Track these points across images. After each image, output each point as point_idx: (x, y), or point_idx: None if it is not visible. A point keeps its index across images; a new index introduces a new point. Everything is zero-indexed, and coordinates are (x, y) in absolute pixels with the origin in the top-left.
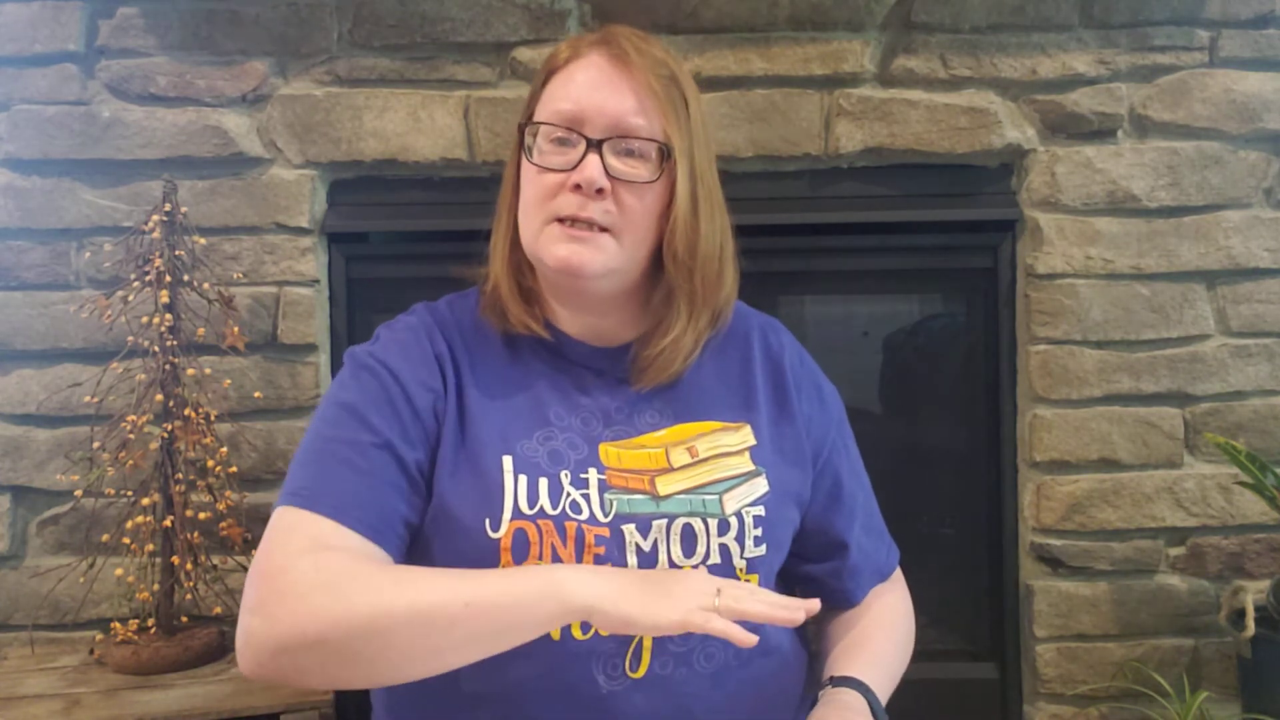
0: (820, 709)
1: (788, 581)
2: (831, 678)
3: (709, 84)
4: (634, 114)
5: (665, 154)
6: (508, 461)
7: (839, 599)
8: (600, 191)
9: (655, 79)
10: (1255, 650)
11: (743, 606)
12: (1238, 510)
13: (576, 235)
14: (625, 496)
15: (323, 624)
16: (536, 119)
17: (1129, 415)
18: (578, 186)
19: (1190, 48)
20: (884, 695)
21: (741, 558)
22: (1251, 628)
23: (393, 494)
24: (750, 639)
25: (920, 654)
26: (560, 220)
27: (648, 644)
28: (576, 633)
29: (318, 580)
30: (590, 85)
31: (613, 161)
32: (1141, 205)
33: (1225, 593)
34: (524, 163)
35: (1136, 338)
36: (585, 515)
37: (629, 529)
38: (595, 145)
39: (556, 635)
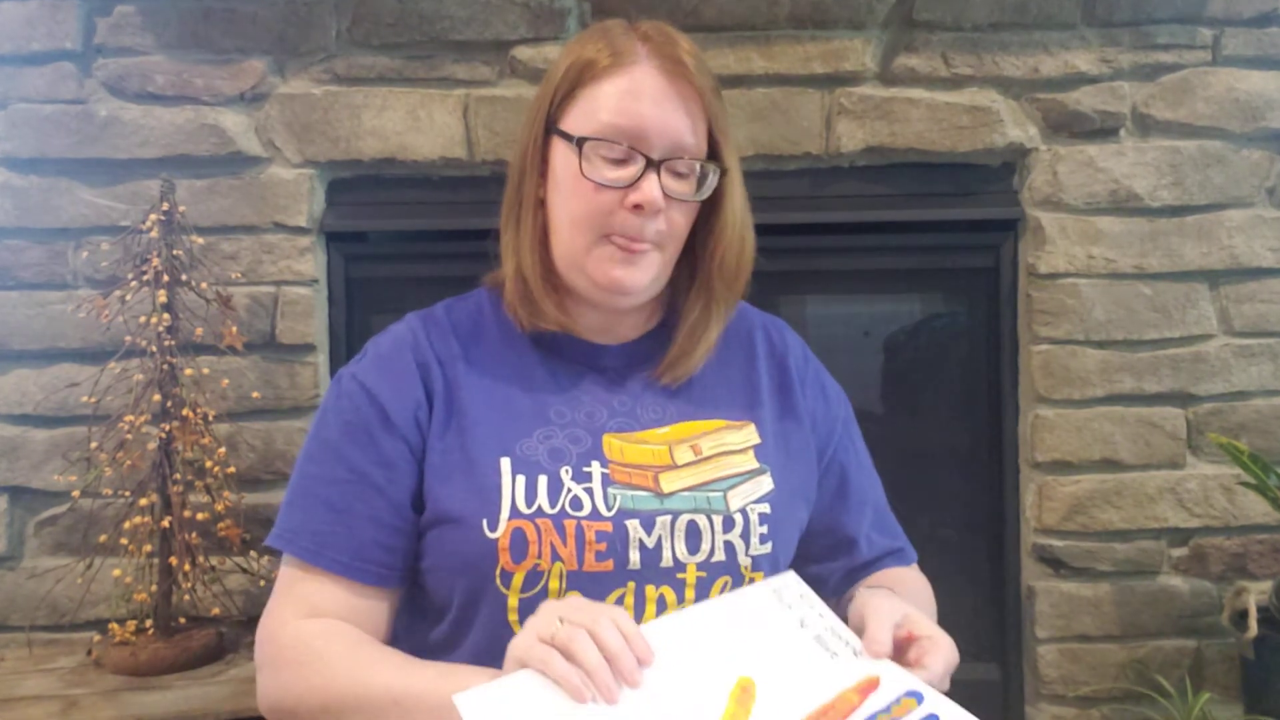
0: (862, 595)
1: None
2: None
3: None
4: (688, 133)
5: (714, 171)
6: (505, 463)
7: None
8: (657, 211)
9: (708, 92)
10: (1258, 651)
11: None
12: (1240, 511)
13: (631, 258)
14: (629, 492)
15: (293, 698)
16: (584, 131)
17: (1131, 415)
18: (637, 206)
19: (1193, 46)
20: None
21: (746, 555)
22: (1254, 628)
23: (368, 526)
24: (583, 695)
25: None
26: (612, 237)
27: None
28: None
29: (292, 656)
30: (650, 101)
31: (668, 182)
32: (1144, 204)
33: (1228, 594)
34: (563, 170)
35: (1139, 337)
36: (587, 511)
37: (633, 524)
38: (655, 166)
39: None
